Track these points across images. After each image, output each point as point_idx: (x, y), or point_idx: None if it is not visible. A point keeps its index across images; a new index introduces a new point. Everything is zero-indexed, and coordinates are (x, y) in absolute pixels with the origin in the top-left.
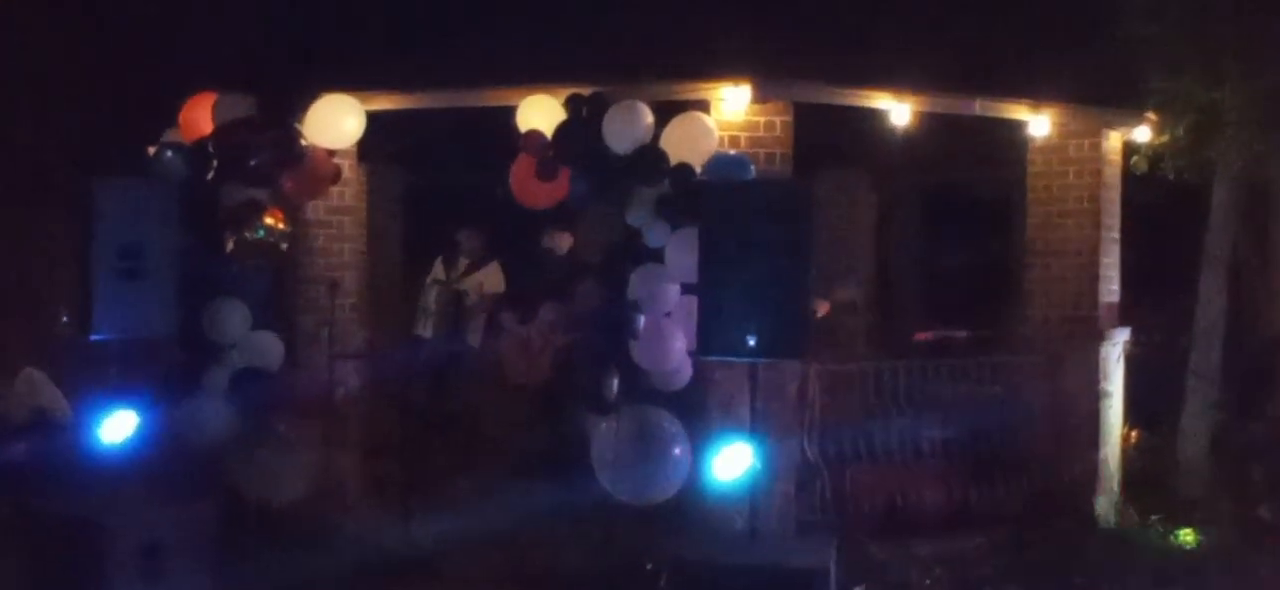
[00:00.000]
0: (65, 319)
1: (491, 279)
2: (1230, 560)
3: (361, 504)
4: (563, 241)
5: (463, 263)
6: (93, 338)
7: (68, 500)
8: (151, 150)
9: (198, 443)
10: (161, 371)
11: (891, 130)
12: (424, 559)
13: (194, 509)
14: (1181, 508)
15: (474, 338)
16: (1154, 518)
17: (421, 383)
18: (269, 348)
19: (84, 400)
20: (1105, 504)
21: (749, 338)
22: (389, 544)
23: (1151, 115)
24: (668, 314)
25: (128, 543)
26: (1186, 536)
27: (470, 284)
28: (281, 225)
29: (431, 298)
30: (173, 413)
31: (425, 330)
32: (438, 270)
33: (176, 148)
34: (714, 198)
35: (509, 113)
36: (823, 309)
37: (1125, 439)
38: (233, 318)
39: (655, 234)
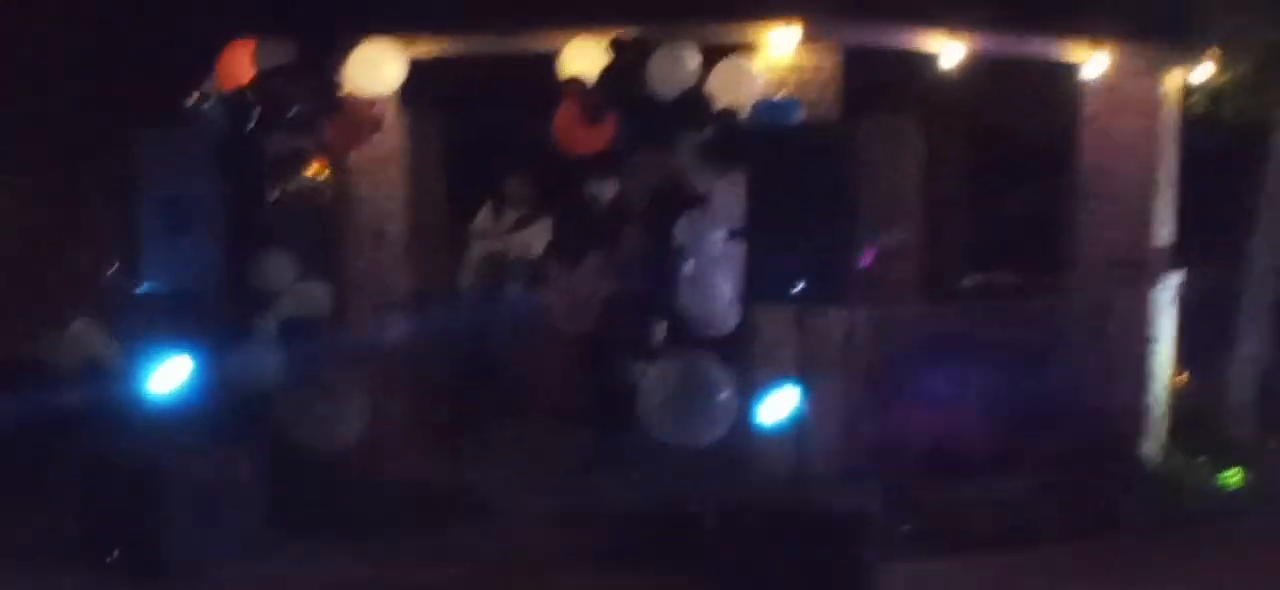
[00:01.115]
0: (114, 271)
1: (537, 238)
2: (1276, 501)
3: (409, 450)
4: (607, 188)
5: (511, 215)
6: (141, 289)
7: (121, 447)
8: (192, 100)
9: (247, 390)
10: (210, 321)
11: (941, 74)
12: (472, 502)
13: (246, 452)
14: (1228, 449)
15: (515, 292)
16: (1201, 459)
17: (466, 332)
18: (315, 296)
19: (135, 351)
20: (1152, 446)
21: (796, 284)
22: (437, 488)
23: (1213, 53)
24: (714, 260)
25: (181, 487)
26: (1232, 477)
27: (517, 243)
28: (324, 174)
29: (474, 251)
30: (222, 361)
31: (466, 281)
32: (484, 217)
33: (216, 97)
34: (760, 143)
35: (552, 58)
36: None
37: (1174, 382)
38: (279, 267)
39: (701, 179)
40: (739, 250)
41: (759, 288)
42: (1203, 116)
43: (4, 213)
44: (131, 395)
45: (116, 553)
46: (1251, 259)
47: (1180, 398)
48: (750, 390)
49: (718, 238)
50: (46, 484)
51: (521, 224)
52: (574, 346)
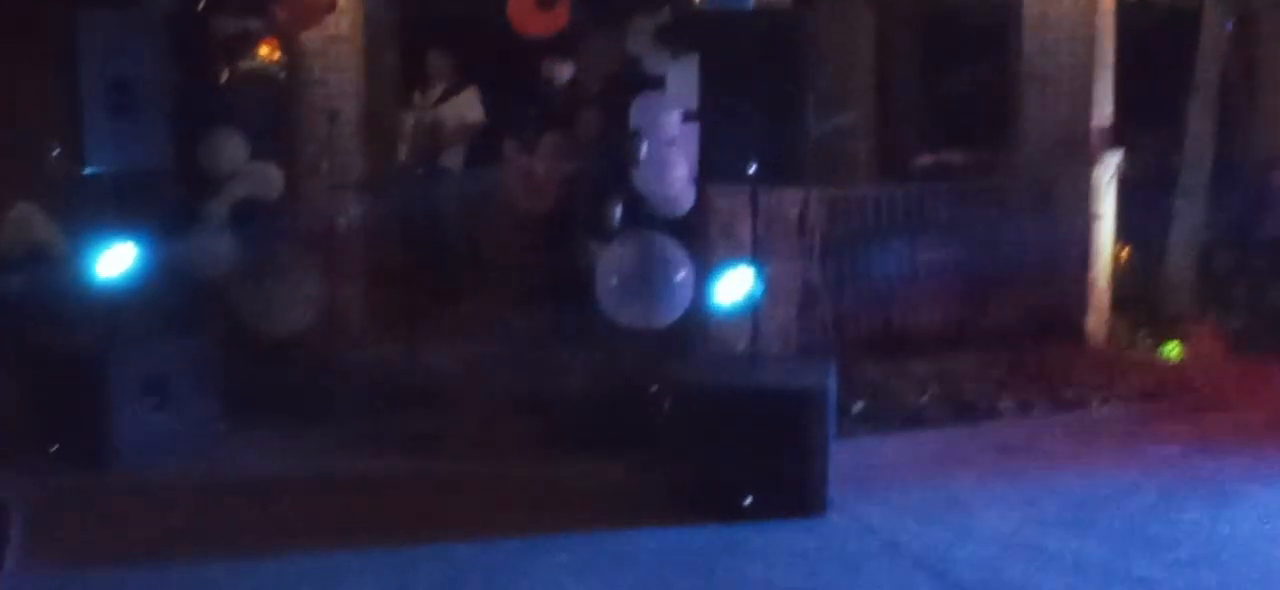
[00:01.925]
0: (57, 153)
1: (468, 106)
2: (1211, 371)
3: (364, 334)
4: (563, 71)
5: (437, 88)
6: (86, 172)
7: (67, 335)
8: None
9: (196, 276)
10: (158, 205)
11: None
12: (428, 386)
13: (197, 340)
14: (1168, 324)
15: (454, 164)
16: (1141, 333)
17: (420, 213)
18: (268, 178)
19: (80, 235)
20: (1095, 321)
21: (750, 164)
22: (393, 373)
23: None
24: (670, 142)
25: (129, 376)
26: (1172, 350)
27: (448, 111)
28: (276, 55)
29: (408, 124)
30: (171, 246)
31: (403, 156)
32: (416, 98)
33: None
34: (713, 26)
35: None
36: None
37: (1116, 258)
38: (230, 148)
39: (655, 62)
40: (694, 131)
41: (714, 168)
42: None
43: None
44: (76, 281)
45: (57, 446)
46: (1187, 137)
47: (1122, 273)
48: (706, 270)
49: (673, 119)
50: None
51: (447, 95)
52: (531, 227)
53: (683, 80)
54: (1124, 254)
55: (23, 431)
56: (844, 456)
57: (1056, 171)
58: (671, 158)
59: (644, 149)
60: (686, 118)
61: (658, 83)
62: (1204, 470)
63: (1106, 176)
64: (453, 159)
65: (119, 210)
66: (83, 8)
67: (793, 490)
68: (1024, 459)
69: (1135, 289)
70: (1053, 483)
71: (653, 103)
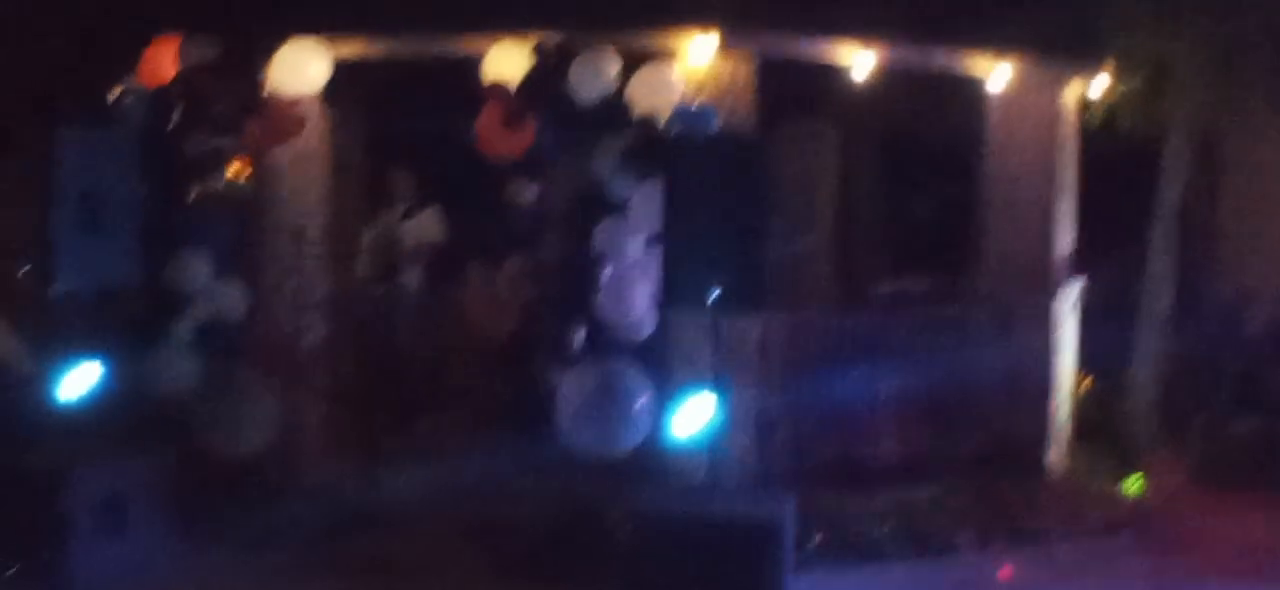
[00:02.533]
0: (26, 269)
1: (428, 226)
2: (1175, 508)
3: (325, 455)
4: (528, 192)
5: (398, 207)
6: (54, 290)
7: (27, 453)
8: (113, 96)
9: (161, 394)
10: (124, 323)
11: (853, 84)
12: (387, 510)
13: (156, 461)
14: (1130, 455)
15: (411, 282)
16: (1103, 465)
17: (379, 331)
18: (233, 297)
19: (45, 352)
20: (1056, 452)
21: (712, 290)
22: (352, 495)
23: (1108, 68)
24: (632, 266)
25: (89, 496)
26: (1134, 484)
27: (408, 229)
28: (245, 173)
29: (365, 239)
30: (136, 364)
31: (363, 271)
32: (380, 216)
33: (138, 94)
34: (678, 150)
35: (475, 61)
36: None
37: (1077, 387)
38: (196, 268)
39: (620, 186)
40: (657, 257)
41: (676, 294)
42: (1101, 128)
43: None
44: (38, 400)
45: (13, 570)
46: (1149, 266)
47: (1083, 403)
48: (666, 397)
49: (636, 244)
50: None
51: (408, 214)
52: (492, 350)
53: (647, 204)
54: (1085, 383)
55: None
56: None
57: (1018, 299)
58: (634, 282)
59: (607, 273)
60: (650, 242)
61: (621, 206)
62: None
63: (1068, 305)
64: (410, 277)
65: (85, 328)
66: (59, 125)
67: None
68: None
69: (1097, 419)
70: None
71: (617, 226)
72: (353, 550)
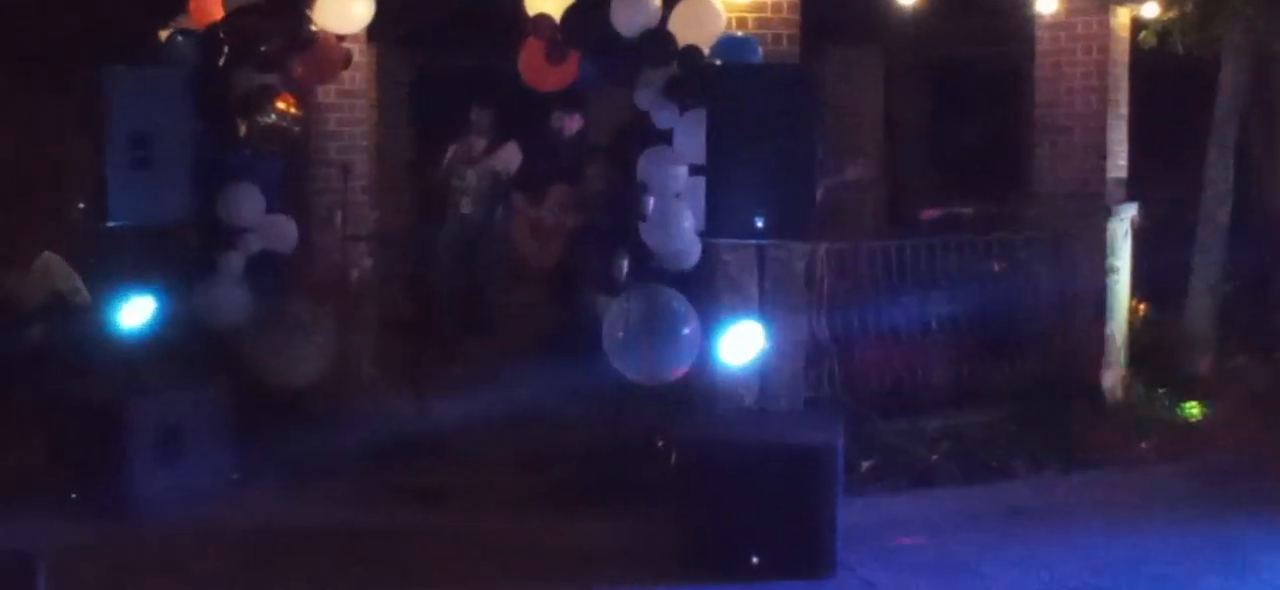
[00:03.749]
0: (81, 206)
1: (512, 157)
2: (1234, 432)
3: (375, 385)
4: (572, 123)
5: (479, 143)
6: (109, 224)
7: (86, 384)
8: (163, 36)
9: (214, 326)
10: (177, 256)
11: (899, 9)
12: (436, 439)
13: (210, 392)
14: (1187, 381)
15: (486, 214)
16: (1160, 391)
17: (448, 263)
18: (283, 230)
19: (101, 286)
20: (1112, 378)
21: (757, 218)
22: (402, 424)
23: None
24: (677, 195)
25: (145, 425)
26: (1192, 409)
27: (497, 163)
28: (293, 110)
29: (470, 177)
30: (189, 297)
31: (466, 208)
32: (456, 151)
33: (188, 34)
34: (722, 80)
35: None
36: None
37: (1132, 313)
38: (247, 201)
39: (663, 116)
40: (701, 185)
41: (721, 223)
42: (1153, 51)
43: None
44: (97, 331)
45: (74, 495)
46: (1204, 188)
47: (1139, 329)
48: (713, 325)
49: (680, 173)
50: (9, 421)
51: (490, 151)
52: (539, 279)
53: (690, 134)
54: (1141, 308)
55: (43, 480)
56: (853, 516)
57: (1071, 223)
58: (678, 211)
59: (651, 203)
60: (694, 171)
61: (665, 136)
62: (1224, 535)
63: (1122, 229)
64: (487, 209)
65: (139, 262)
66: (108, 66)
67: (800, 550)
68: (1038, 521)
69: (1153, 344)
70: (1068, 546)
71: (660, 156)
72: (403, 479)
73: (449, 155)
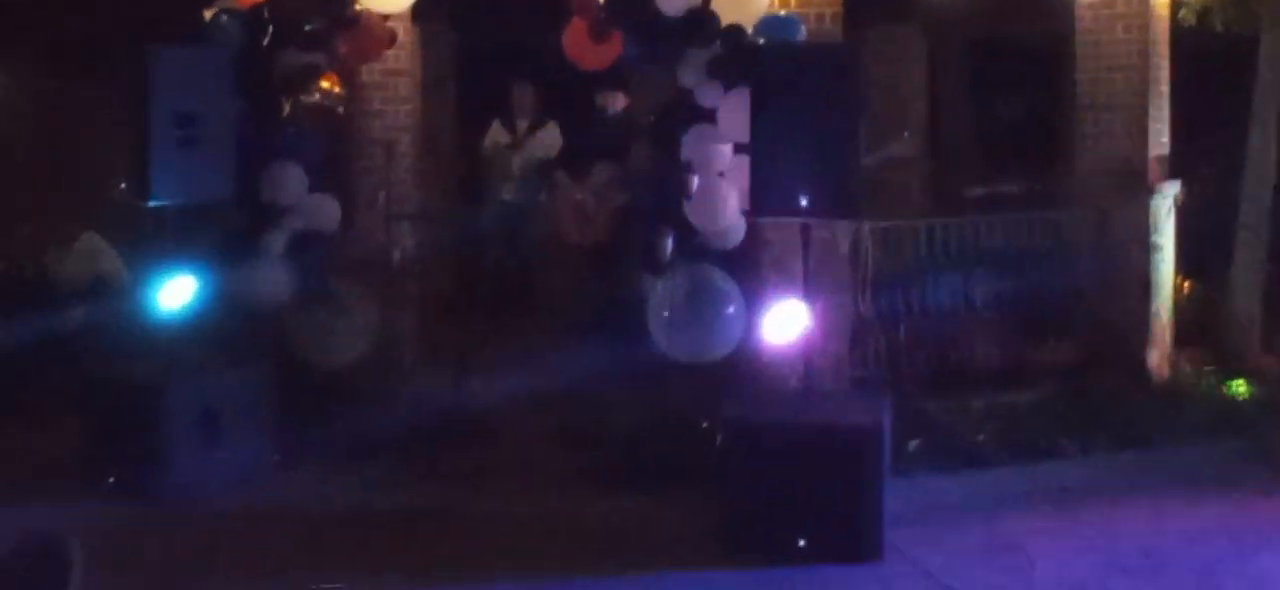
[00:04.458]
0: (123, 186)
1: (554, 140)
2: None
3: (417, 365)
4: (615, 102)
5: (522, 124)
6: (151, 203)
7: (127, 365)
8: (207, 16)
9: (256, 307)
10: (220, 236)
11: None
12: (480, 420)
13: (252, 373)
14: (1234, 359)
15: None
16: (1206, 370)
17: (492, 245)
18: (326, 210)
19: (143, 266)
20: (1157, 356)
21: (801, 196)
22: (444, 405)
23: None
24: (721, 174)
25: (186, 407)
26: (1238, 388)
27: (538, 147)
28: (337, 89)
29: (514, 163)
30: (231, 277)
31: (508, 194)
32: (497, 132)
33: (232, 13)
34: (765, 59)
35: None
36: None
37: (1177, 291)
38: (290, 180)
39: (707, 95)
40: (745, 164)
41: (765, 201)
42: (1193, 29)
43: (14, 124)
44: (138, 312)
45: (112, 479)
46: (1248, 166)
47: (1185, 306)
48: (758, 303)
49: (724, 152)
50: (49, 403)
51: (533, 129)
52: (583, 259)
53: (734, 113)
54: (1186, 287)
55: (83, 461)
56: (899, 497)
57: (1114, 202)
58: (723, 190)
59: (695, 181)
60: (738, 149)
61: (709, 115)
62: (1275, 515)
63: (1165, 207)
64: (531, 190)
65: (181, 241)
66: (151, 44)
67: (847, 532)
68: (1087, 501)
69: (1198, 323)
70: (1117, 526)
71: (704, 135)
72: (446, 459)
73: (490, 134)
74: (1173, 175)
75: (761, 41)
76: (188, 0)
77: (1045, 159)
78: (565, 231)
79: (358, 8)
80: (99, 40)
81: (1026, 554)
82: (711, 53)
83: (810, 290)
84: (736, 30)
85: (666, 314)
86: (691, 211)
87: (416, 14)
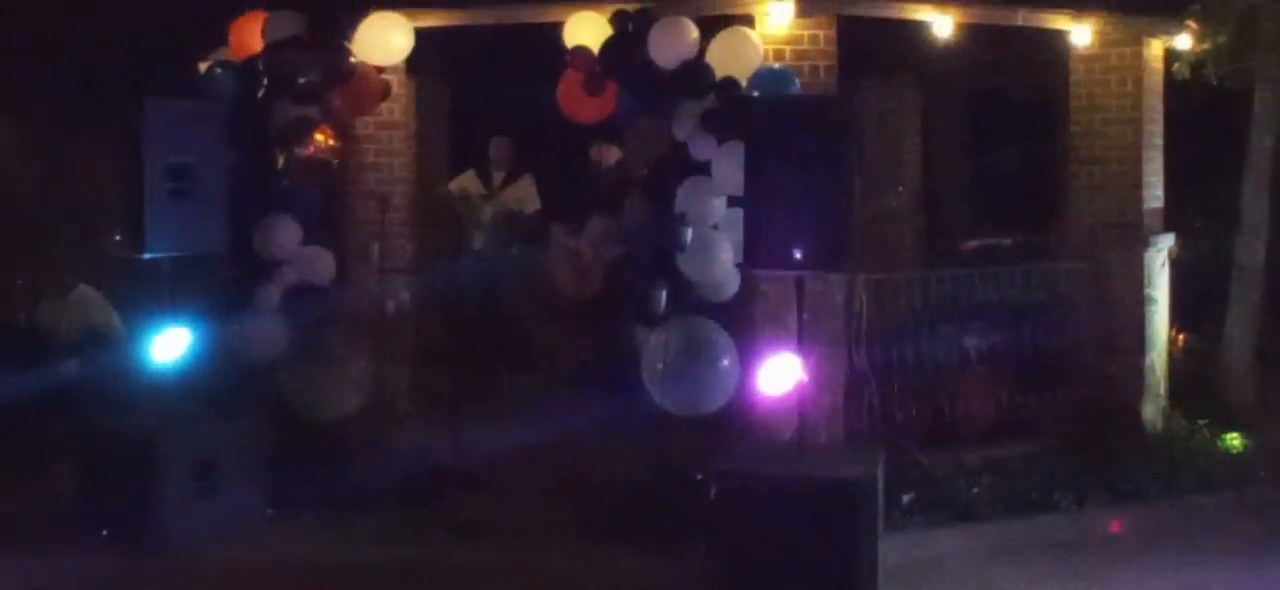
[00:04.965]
0: (118, 238)
1: (527, 194)
2: (1275, 464)
3: (412, 418)
4: (610, 155)
5: (498, 176)
6: (145, 256)
7: (121, 417)
8: (202, 68)
9: (250, 359)
10: (213, 288)
11: (934, 39)
12: (474, 472)
13: (246, 425)
14: (1228, 412)
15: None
16: (1201, 423)
17: (471, 296)
18: (320, 263)
19: (137, 318)
20: (1152, 409)
21: (795, 249)
22: (438, 458)
23: (1192, 23)
24: (715, 226)
25: (179, 459)
26: (1233, 441)
27: (510, 199)
28: (331, 141)
29: (485, 214)
30: (225, 329)
31: (478, 243)
32: (467, 180)
33: (227, 66)
34: (759, 112)
35: (556, 28)
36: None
37: (1172, 344)
38: (284, 233)
39: (701, 147)
40: (739, 217)
41: (759, 254)
42: (1187, 82)
43: (8, 176)
44: (132, 364)
45: (106, 533)
46: (1242, 219)
47: (1179, 359)
48: (751, 356)
49: (718, 204)
50: (43, 454)
51: (508, 181)
52: (577, 312)
53: (728, 165)
54: (1180, 339)
55: (77, 512)
56: (894, 551)
57: (1108, 254)
58: (717, 242)
59: (689, 234)
60: (732, 202)
61: (703, 168)
62: (1271, 568)
63: (1159, 259)
64: (504, 243)
65: (175, 294)
66: (150, 95)
67: (840, 586)
68: (1082, 555)
69: (1193, 376)
70: (1113, 581)
71: (698, 187)
72: (440, 512)
73: (457, 180)
74: (1167, 228)
75: (755, 94)
76: (183, 52)
77: (1039, 211)
78: (561, 283)
79: (353, 61)
80: (94, 92)
81: None
82: (706, 106)
83: (804, 343)
84: (731, 83)
85: (661, 366)
86: (686, 264)
87: (411, 67)
